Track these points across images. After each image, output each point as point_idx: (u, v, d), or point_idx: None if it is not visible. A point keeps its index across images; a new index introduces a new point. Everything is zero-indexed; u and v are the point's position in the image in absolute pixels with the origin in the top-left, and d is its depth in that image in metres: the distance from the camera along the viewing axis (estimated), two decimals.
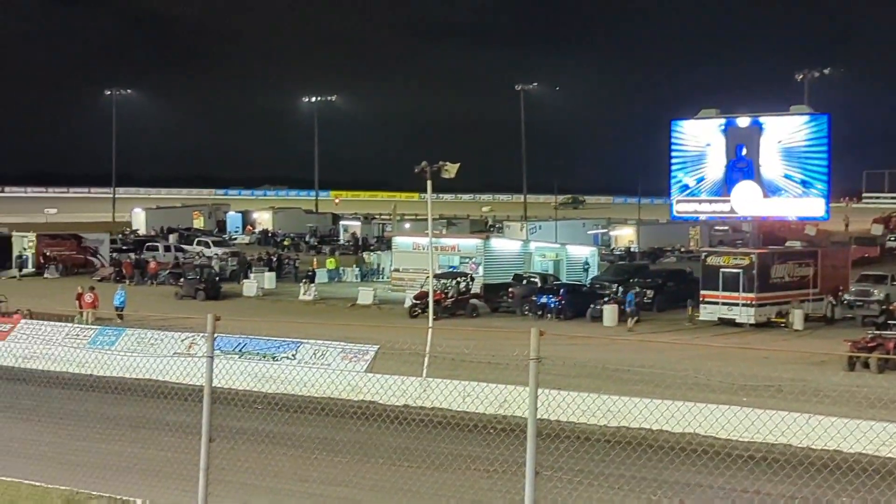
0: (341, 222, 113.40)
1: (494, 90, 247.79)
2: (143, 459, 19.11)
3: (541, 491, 10.47)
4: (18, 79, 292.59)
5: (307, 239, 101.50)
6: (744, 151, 51.77)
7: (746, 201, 52.04)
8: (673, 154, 54.23)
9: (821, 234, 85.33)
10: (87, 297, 44.88)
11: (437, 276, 50.47)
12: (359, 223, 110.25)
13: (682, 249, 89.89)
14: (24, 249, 71.17)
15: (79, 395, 23.73)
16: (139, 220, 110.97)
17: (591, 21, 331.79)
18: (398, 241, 67.26)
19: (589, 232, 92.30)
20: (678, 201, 54.62)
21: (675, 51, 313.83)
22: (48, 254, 70.81)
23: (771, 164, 51.08)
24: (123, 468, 18.34)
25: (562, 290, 52.88)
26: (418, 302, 50.42)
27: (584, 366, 27.71)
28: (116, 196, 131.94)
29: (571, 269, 63.84)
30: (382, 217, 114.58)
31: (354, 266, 72.04)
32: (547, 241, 73.08)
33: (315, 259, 75.76)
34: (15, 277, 67.18)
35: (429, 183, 36.05)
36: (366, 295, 56.98)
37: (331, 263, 69.47)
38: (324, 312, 53.77)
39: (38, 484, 16.78)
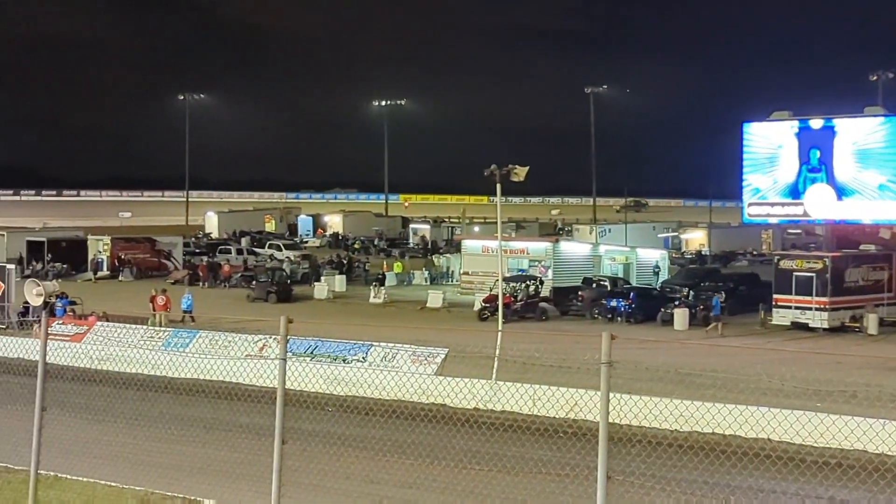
0: (411, 225, 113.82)
1: (564, 93, 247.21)
2: (216, 461, 19.30)
3: (612, 496, 10.43)
4: (94, 84, 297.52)
5: (376, 242, 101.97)
6: (817, 154, 51.11)
7: (820, 204, 51.35)
8: (745, 157, 53.66)
9: (895, 237, 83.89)
10: (160, 300, 45.44)
11: (506, 280, 50.44)
12: (428, 226, 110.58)
13: (754, 253, 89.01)
14: (100, 252, 72.26)
15: (153, 396, 24.05)
16: (212, 224, 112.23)
17: (661, 24, 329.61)
18: (467, 244, 67.31)
19: (659, 235, 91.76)
20: (750, 204, 54.02)
21: (746, 53, 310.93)
22: (123, 257, 71.80)
23: (845, 166, 50.33)
24: (197, 469, 18.56)
25: (632, 294, 52.55)
26: (487, 305, 50.38)
27: (656, 370, 27.48)
28: (189, 200, 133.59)
29: (641, 273, 63.46)
30: (452, 220, 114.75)
31: (424, 269, 72.20)
32: (617, 245, 72.68)
33: (385, 262, 76.12)
34: (90, 280, 68.21)
35: (498, 186, 36.02)
36: (435, 298, 57.08)
37: (398, 267, 69.70)
38: (394, 315, 53.94)
39: (113, 484, 17.04)
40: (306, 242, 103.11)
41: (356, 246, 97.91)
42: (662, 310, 50.23)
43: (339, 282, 64.86)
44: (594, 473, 10.37)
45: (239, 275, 66.79)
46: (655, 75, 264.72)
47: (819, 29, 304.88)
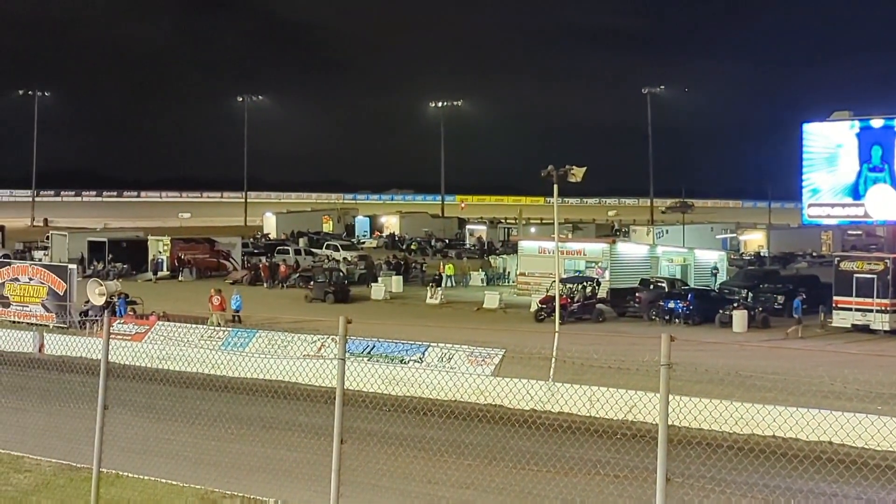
0: (467, 226, 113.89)
1: (621, 93, 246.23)
2: (275, 460, 19.42)
3: (671, 498, 10.37)
4: (153, 86, 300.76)
5: (432, 243, 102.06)
6: (878, 153, 50.48)
7: (881, 205, 50.71)
8: (804, 157, 53.13)
9: None
10: (215, 300, 45.76)
11: (563, 281, 50.30)
12: (484, 227, 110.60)
13: (814, 254, 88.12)
14: (160, 252, 72.99)
15: (212, 395, 24.20)
16: (270, 225, 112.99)
17: (719, 23, 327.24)
18: (524, 245, 67.24)
19: (717, 236, 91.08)
20: (810, 205, 53.48)
21: (805, 52, 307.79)
22: (182, 257, 72.44)
23: None
24: (256, 468, 18.68)
25: (690, 295, 52.16)
26: (544, 306, 50.27)
27: (715, 372, 27.29)
28: (248, 200, 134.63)
29: (699, 274, 63.03)
30: (508, 221, 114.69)
31: (480, 270, 72.17)
32: (674, 246, 72.23)
33: (441, 263, 76.20)
34: (151, 280, 68.89)
35: (555, 187, 35.99)
36: (492, 299, 57.05)
37: (450, 269, 69.44)
38: (450, 316, 53.98)
39: (173, 482, 17.21)
40: (363, 243, 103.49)
41: (413, 247, 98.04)
42: (721, 311, 49.81)
43: (396, 282, 65.01)
44: (652, 475, 10.32)
45: (297, 275, 67.18)
46: (713, 75, 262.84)
47: (881, 26, 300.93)
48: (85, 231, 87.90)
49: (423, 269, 73.84)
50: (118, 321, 40.19)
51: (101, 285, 46.27)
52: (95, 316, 40.62)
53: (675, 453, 10.84)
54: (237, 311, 47.59)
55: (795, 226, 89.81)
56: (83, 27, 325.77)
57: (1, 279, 47.55)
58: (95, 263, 71.22)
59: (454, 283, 67.59)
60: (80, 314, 44.16)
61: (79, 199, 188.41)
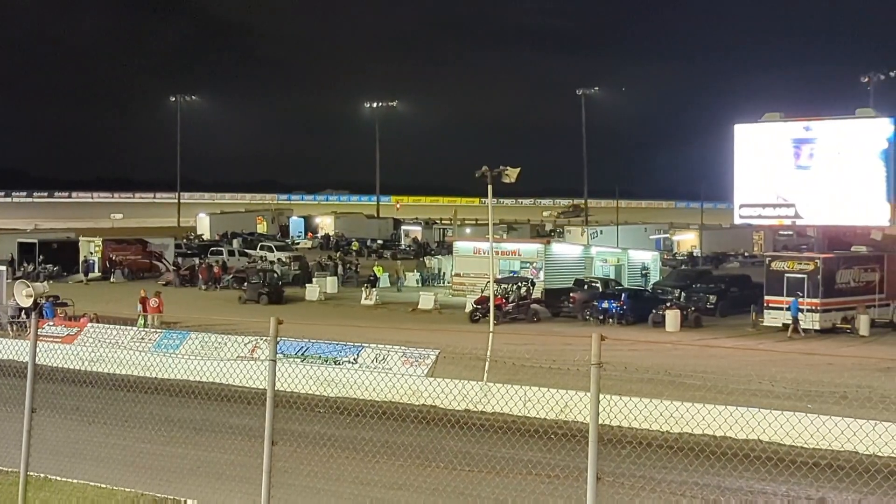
0: (402, 227, 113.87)
1: (556, 95, 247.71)
2: (207, 462, 19.29)
3: (602, 497, 10.43)
4: (86, 85, 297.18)
5: (368, 244, 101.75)
6: (808, 156, 51.17)
7: (811, 207, 51.41)
8: (736, 158, 53.69)
9: (887, 238, 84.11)
10: (152, 302, 45.32)
11: (497, 281, 50.44)
12: (420, 228, 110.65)
13: (746, 254, 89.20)
14: (91, 254, 72.18)
15: (144, 398, 24.02)
16: (204, 225, 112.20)
17: (651, 25, 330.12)
18: (459, 245, 67.35)
19: (651, 237, 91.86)
20: (741, 206, 54.07)
21: (738, 54, 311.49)
22: (114, 258, 71.73)
23: (835, 168, 50.38)
24: (187, 471, 18.53)
25: (623, 295, 52.57)
26: (479, 306, 50.37)
27: (646, 371, 27.54)
28: (181, 201, 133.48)
29: (633, 274, 63.52)
30: (443, 222, 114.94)
31: (415, 271, 72.13)
32: (608, 246, 72.73)
33: (376, 264, 76.06)
34: (82, 281, 68.13)
35: (489, 187, 36.07)
36: (427, 299, 57.09)
37: (379, 271, 69.02)
38: (385, 317, 53.93)
39: (103, 486, 17.02)
40: (298, 244, 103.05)
41: (354, 248, 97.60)
42: (654, 311, 50.25)
43: (331, 283, 64.82)
44: (584, 475, 10.37)
45: (231, 276, 66.76)
46: (647, 77, 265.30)
47: (812, 31, 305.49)
48: (15, 232, 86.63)
49: (358, 269, 73.68)
50: (48, 323, 39.65)
51: (29, 287, 45.59)
52: (25, 318, 40.08)
53: (606, 452, 10.91)
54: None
55: (727, 226, 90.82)
56: (14, 25, 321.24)
57: None
58: (26, 265, 70.22)
59: (389, 284, 67.48)
60: (10, 316, 43.51)
61: (8, 199, 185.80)
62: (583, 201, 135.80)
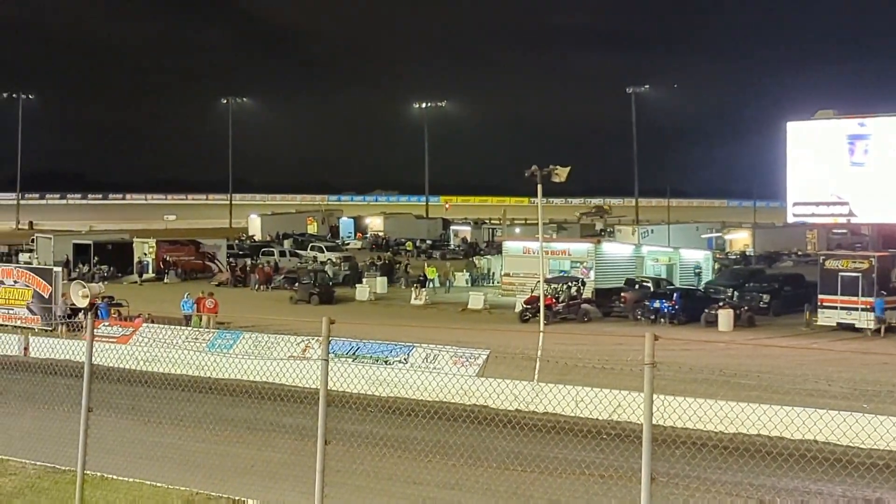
0: (452, 227, 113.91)
1: (606, 93, 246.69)
2: (260, 461, 19.39)
3: (656, 497, 10.37)
4: (139, 89, 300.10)
5: (417, 244, 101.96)
6: (863, 152, 50.58)
7: (865, 204, 50.82)
8: (789, 156, 53.21)
9: None
10: (208, 303, 45.67)
11: (547, 281, 50.31)
12: (469, 228, 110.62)
13: (799, 253, 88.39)
14: (145, 255, 72.86)
15: (198, 397, 24.18)
16: (255, 226, 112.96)
17: (704, 22, 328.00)
18: (508, 245, 67.22)
19: (703, 236, 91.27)
20: (795, 204, 53.55)
21: (791, 51, 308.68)
22: (168, 259, 72.34)
23: (891, 166, 49.77)
24: (241, 470, 18.64)
25: (675, 295, 52.23)
26: (529, 306, 50.26)
27: (699, 371, 27.37)
28: (233, 202, 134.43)
29: (685, 274, 63.12)
30: (492, 221, 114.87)
31: (465, 271, 72.12)
32: (660, 245, 72.33)
33: (426, 264, 76.15)
34: (136, 282, 68.76)
35: (539, 187, 35.99)
36: (476, 299, 57.05)
37: (431, 272, 68.95)
38: (435, 317, 53.98)
39: (159, 484, 17.16)
40: (348, 244, 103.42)
41: (408, 248, 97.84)
42: (706, 311, 49.89)
43: (381, 283, 64.97)
44: (637, 475, 10.32)
45: (282, 277, 67.14)
46: (697, 74, 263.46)
47: (865, 27, 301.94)
48: (70, 234, 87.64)
49: (408, 269, 73.83)
50: (103, 324, 40.08)
51: (85, 287, 46.12)
52: (81, 318, 40.50)
53: (659, 453, 10.85)
54: (188, 316, 45.91)
55: (780, 224, 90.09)
56: (69, 29, 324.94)
57: None
58: (81, 266, 71.03)
59: (438, 285, 67.49)
60: (65, 317, 44.01)
61: (63, 201, 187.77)
62: (606, 203, 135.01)
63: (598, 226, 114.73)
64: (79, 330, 39.82)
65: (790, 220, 56.74)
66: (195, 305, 45.91)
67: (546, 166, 36.11)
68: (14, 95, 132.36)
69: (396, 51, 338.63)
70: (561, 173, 35.87)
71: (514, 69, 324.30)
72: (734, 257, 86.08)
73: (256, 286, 66.46)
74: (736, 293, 54.24)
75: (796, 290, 54.59)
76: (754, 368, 32.60)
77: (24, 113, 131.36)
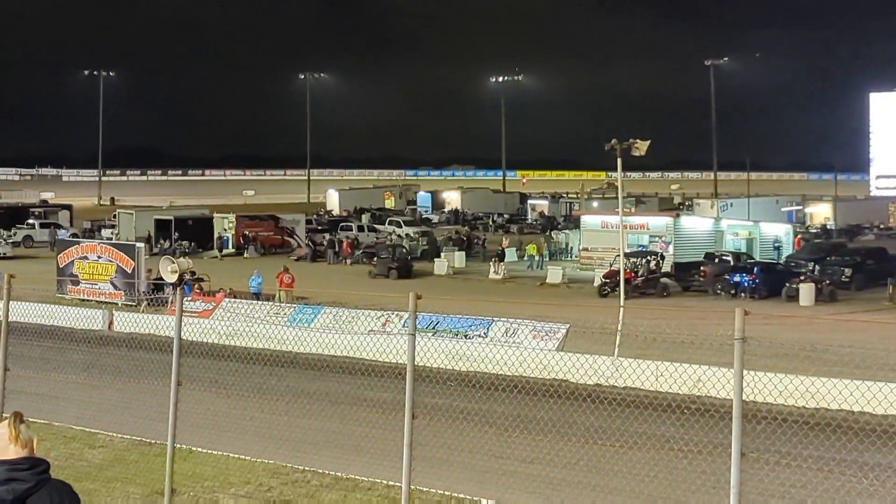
0: (529, 201, 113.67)
1: (684, 65, 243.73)
2: (343, 435, 19.62)
3: (746, 473, 10.36)
4: (217, 65, 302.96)
5: (494, 219, 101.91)
6: None
7: None
8: (872, 128, 52.36)
9: None
10: (286, 278, 46.07)
11: (627, 255, 50.06)
12: (546, 202, 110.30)
13: (881, 227, 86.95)
14: (225, 230, 73.63)
15: (280, 371, 24.49)
16: (333, 201, 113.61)
17: None
18: (587, 219, 66.92)
19: (783, 209, 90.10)
20: (878, 177, 52.76)
21: (873, 21, 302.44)
22: (247, 234, 73.07)
23: None
24: (325, 443, 18.88)
25: (756, 269, 51.63)
26: (608, 281, 50.04)
27: (781, 345, 27.14)
28: (311, 178, 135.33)
29: (765, 248, 62.44)
30: (570, 196, 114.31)
31: (543, 245, 71.80)
32: (739, 219, 71.55)
33: (504, 238, 75.98)
34: (216, 257, 69.55)
35: (619, 161, 35.79)
36: (555, 274, 56.92)
37: (531, 249, 67.34)
38: (513, 291, 54.00)
39: (244, 457, 17.47)
40: (428, 218, 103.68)
41: (490, 222, 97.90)
42: (787, 285, 49.27)
43: (459, 258, 65.02)
44: (720, 449, 10.33)
45: (360, 251, 67.54)
46: (777, 46, 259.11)
47: None
48: (151, 209, 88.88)
49: (485, 244, 73.73)
50: (186, 298, 40.63)
51: (174, 262, 46.66)
52: (166, 293, 41.07)
53: (743, 428, 10.81)
54: (258, 295, 45.18)
55: (862, 198, 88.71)
56: (147, 6, 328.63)
57: (70, 257, 48.25)
58: (162, 241, 72.02)
59: (517, 259, 66.86)
60: (144, 292, 44.57)
61: (144, 178, 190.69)
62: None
63: (676, 199, 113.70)
64: (161, 305, 40.60)
65: (873, 192, 56.05)
66: (274, 282, 46.27)
67: (625, 140, 35.88)
68: (95, 73, 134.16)
69: (474, 24, 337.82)
70: (641, 147, 35.58)
71: (592, 41, 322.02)
72: (815, 231, 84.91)
73: (339, 260, 66.74)
74: (817, 267, 53.51)
75: (879, 264, 53.71)
76: (837, 343, 32.25)
77: (104, 90, 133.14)
